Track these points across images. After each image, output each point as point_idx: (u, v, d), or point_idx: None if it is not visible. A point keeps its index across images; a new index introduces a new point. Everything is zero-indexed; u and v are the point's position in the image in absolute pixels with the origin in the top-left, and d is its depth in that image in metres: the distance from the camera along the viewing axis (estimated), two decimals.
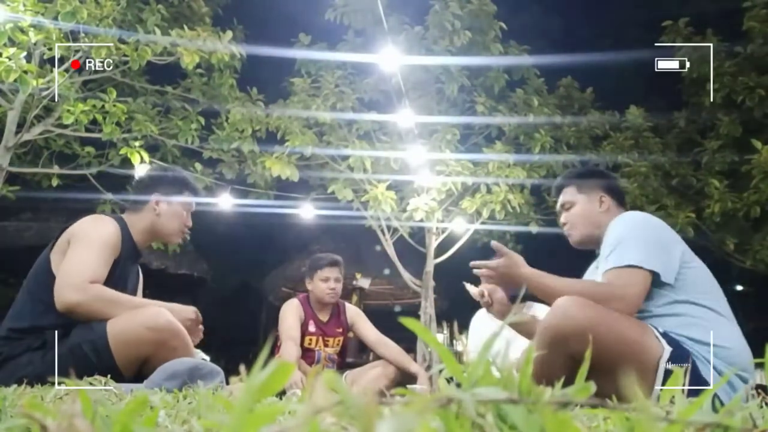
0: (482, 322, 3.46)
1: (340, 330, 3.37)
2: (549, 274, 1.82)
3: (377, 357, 3.36)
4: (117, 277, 2.08)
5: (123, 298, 2.01)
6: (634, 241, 1.77)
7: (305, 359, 3.21)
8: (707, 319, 1.72)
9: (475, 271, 1.91)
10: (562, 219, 2.12)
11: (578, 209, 2.06)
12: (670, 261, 1.76)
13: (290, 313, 3.26)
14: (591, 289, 1.74)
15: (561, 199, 2.13)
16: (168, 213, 2.25)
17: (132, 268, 2.24)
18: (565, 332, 1.57)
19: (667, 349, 1.62)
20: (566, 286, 1.75)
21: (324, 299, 3.30)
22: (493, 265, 1.86)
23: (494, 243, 1.90)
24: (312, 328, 3.30)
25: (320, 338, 3.30)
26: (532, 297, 3.32)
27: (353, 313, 3.44)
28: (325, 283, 3.29)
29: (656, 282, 1.74)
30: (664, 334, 1.67)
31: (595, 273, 2.00)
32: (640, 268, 1.71)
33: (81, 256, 1.98)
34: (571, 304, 1.63)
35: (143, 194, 2.26)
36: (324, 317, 3.35)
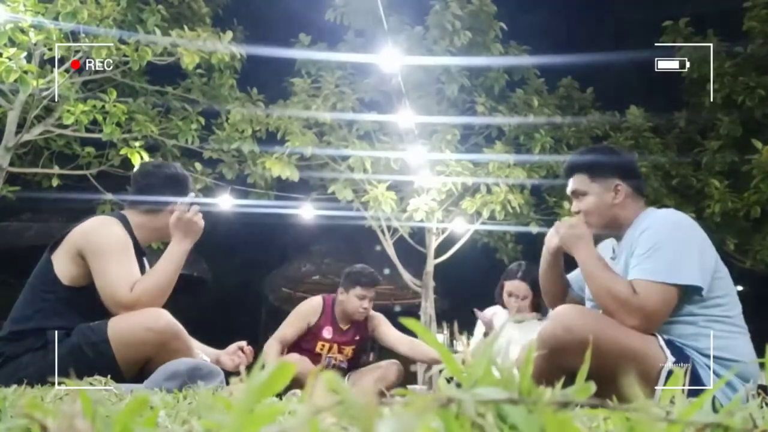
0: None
1: (358, 338, 3.31)
2: (595, 253, 1.79)
3: (379, 358, 3.35)
4: None
5: (158, 272, 2.04)
6: (670, 250, 1.67)
7: (313, 362, 3.16)
8: (719, 330, 1.66)
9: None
10: (574, 207, 1.95)
11: (591, 200, 1.89)
12: (707, 274, 1.68)
13: (299, 316, 3.20)
14: (621, 292, 1.66)
15: (572, 185, 1.95)
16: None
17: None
18: (565, 342, 1.54)
19: (670, 359, 1.59)
20: (602, 275, 1.72)
21: (354, 317, 3.22)
22: (570, 221, 1.88)
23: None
24: (327, 334, 3.22)
25: (334, 345, 3.24)
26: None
27: (377, 318, 3.37)
28: (360, 300, 3.19)
29: (686, 292, 1.67)
30: (669, 343, 1.63)
31: (610, 263, 1.92)
32: (672, 285, 1.63)
33: (112, 273, 1.97)
34: (570, 313, 1.61)
35: (149, 192, 2.24)
36: (345, 326, 3.27)
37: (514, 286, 3.19)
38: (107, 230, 2.07)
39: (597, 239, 2.02)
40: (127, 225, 2.15)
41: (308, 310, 3.23)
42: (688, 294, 1.68)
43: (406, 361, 3.28)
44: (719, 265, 1.76)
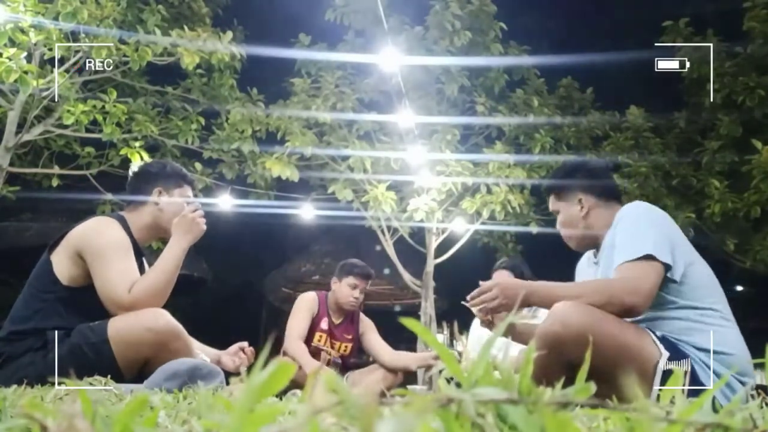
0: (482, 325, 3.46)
1: (350, 337, 3.35)
2: (551, 283, 1.74)
3: None
4: None
5: (157, 270, 2.04)
6: (645, 232, 1.71)
7: (311, 354, 3.20)
8: (710, 323, 1.68)
9: (471, 307, 1.78)
10: (557, 226, 2.07)
11: (561, 218, 2.01)
12: (677, 257, 1.70)
13: (302, 308, 3.23)
14: (602, 287, 1.68)
15: (550, 206, 2.09)
16: (170, 206, 2.22)
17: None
18: (562, 338, 1.55)
19: (665, 354, 1.60)
20: (574, 291, 1.69)
21: (345, 305, 3.26)
22: (488, 284, 1.76)
23: (482, 283, 1.78)
24: (324, 325, 3.28)
25: (328, 338, 3.28)
26: None
27: (366, 323, 3.43)
28: (352, 290, 3.25)
29: (664, 281, 1.68)
30: (663, 339, 1.65)
31: (592, 268, 1.97)
32: (654, 259, 1.65)
33: (112, 273, 1.97)
34: (568, 309, 1.61)
35: (143, 189, 2.23)
36: (337, 319, 3.32)
37: (497, 276, 3.29)
38: (106, 231, 2.07)
39: (579, 251, 2.07)
40: (125, 225, 2.14)
41: (308, 302, 3.27)
42: (664, 283, 1.70)
43: None
44: (695, 258, 1.78)
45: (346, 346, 3.32)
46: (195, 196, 2.36)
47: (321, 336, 3.27)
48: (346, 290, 3.25)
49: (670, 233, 1.76)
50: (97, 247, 2.00)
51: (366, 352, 3.44)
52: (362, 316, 3.44)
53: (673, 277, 1.69)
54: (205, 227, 2.16)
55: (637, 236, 1.72)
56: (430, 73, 6.88)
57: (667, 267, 1.67)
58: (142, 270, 2.19)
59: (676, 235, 1.78)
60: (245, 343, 2.39)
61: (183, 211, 2.13)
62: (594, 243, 1.97)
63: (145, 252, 2.29)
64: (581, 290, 1.69)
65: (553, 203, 2.04)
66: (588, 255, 2.07)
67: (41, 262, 2.08)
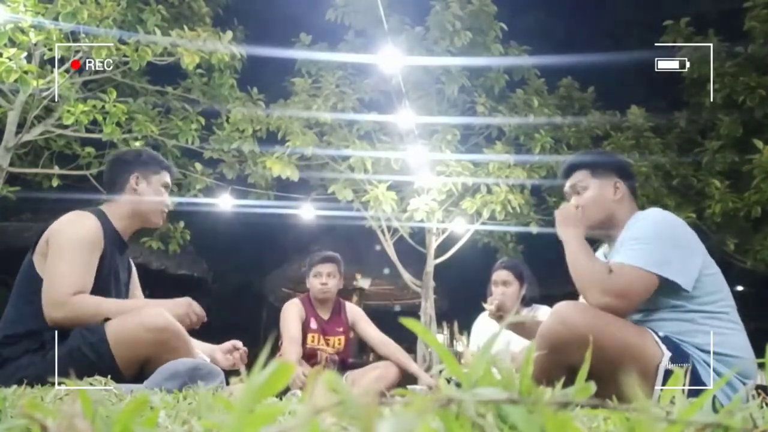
0: (484, 324, 3.46)
1: (341, 329, 3.36)
2: (583, 243, 1.81)
3: (378, 357, 3.36)
4: (106, 273, 2.05)
5: (108, 304, 1.97)
6: (654, 243, 1.71)
7: (308, 359, 3.21)
8: (715, 326, 1.68)
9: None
10: (572, 202, 1.98)
11: (591, 194, 1.93)
12: (689, 268, 1.71)
13: (290, 313, 3.25)
14: (598, 275, 1.70)
15: (571, 180, 2.00)
16: (148, 191, 2.20)
17: (120, 259, 2.19)
18: (564, 338, 1.55)
19: (667, 354, 1.60)
20: (582, 259, 1.76)
21: (316, 295, 3.30)
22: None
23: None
24: (313, 325, 3.29)
25: (321, 336, 3.29)
26: (533, 300, 3.34)
27: (354, 312, 3.43)
28: (317, 278, 3.29)
29: (674, 288, 1.69)
30: (665, 339, 1.65)
31: None
32: (650, 272, 1.66)
33: (61, 266, 1.94)
34: (569, 309, 1.61)
35: (120, 176, 2.21)
36: (325, 315, 3.34)
37: (496, 275, 3.31)
38: (73, 226, 2.04)
39: (592, 243, 2.05)
40: (104, 219, 2.12)
41: (294, 307, 3.30)
42: (674, 289, 1.70)
43: None
44: (708, 263, 1.78)
45: (339, 340, 3.33)
46: (173, 182, 2.33)
47: (313, 336, 3.27)
48: (314, 282, 3.31)
49: (683, 245, 1.75)
50: (59, 241, 2.00)
51: (363, 340, 3.46)
52: (348, 305, 3.45)
53: (686, 288, 1.69)
54: (190, 322, 2.04)
55: (642, 244, 1.71)
56: (431, 73, 6.88)
57: (670, 282, 1.67)
58: (123, 263, 2.16)
59: (689, 245, 1.77)
60: (239, 343, 2.37)
61: (188, 306, 2.02)
62: (606, 234, 1.96)
63: (139, 250, 2.28)
64: (585, 264, 1.75)
65: (583, 178, 1.96)
66: (598, 252, 2.06)
67: (25, 263, 2.07)
